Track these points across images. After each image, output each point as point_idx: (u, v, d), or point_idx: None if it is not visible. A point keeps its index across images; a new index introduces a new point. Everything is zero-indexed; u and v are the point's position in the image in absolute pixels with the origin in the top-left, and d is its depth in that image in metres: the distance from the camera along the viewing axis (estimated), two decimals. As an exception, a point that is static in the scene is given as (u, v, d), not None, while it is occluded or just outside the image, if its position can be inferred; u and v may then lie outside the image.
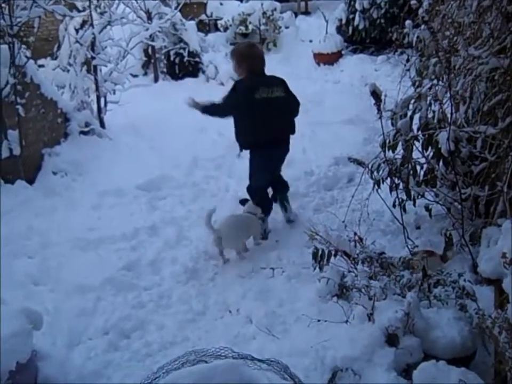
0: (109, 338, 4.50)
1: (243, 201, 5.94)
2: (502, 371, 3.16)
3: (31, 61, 6.99)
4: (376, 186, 5.04)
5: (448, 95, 4.70)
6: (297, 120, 8.46)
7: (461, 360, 3.48)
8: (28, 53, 7.26)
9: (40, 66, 8.20)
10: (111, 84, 8.24)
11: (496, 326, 3.15)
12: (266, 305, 4.73)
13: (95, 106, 8.23)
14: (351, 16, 11.80)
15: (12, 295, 4.55)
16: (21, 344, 3.73)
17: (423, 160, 4.98)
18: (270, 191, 6.05)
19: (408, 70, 5.91)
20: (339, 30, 12.18)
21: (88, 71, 8.04)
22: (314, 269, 4.36)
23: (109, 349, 4.38)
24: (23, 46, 7.09)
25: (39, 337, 4.16)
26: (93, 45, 7.90)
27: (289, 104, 5.75)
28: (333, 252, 4.28)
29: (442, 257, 4.52)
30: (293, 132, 5.85)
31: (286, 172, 6.88)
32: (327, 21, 11.87)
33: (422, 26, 5.53)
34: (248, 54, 5.72)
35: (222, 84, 10.58)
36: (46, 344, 4.27)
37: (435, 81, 5.09)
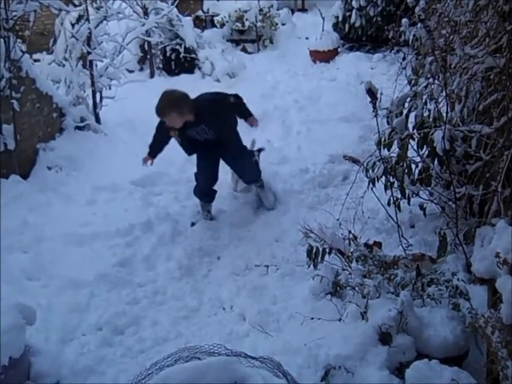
0: (103, 334, 4.52)
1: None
2: (494, 370, 3.17)
3: (27, 55, 6.95)
4: (371, 185, 5.04)
5: (443, 93, 4.72)
6: (293, 117, 8.51)
7: (453, 359, 3.49)
8: (23, 47, 7.20)
9: (35, 60, 8.14)
10: (106, 79, 8.20)
11: (489, 326, 3.16)
12: (259, 303, 4.74)
13: (90, 102, 8.19)
14: (347, 14, 11.75)
15: (5, 290, 4.55)
16: (14, 340, 3.73)
17: (418, 159, 4.97)
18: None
19: (404, 68, 5.91)
20: (335, 27, 12.14)
21: (84, 66, 8.00)
22: (309, 266, 4.37)
23: (102, 345, 4.40)
24: (19, 40, 7.03)
25: (32, 333, 4.17)
26: (88, 40, 7.86)
27: None
28: (327, 250, 4.28)
29: (433, 260, 4.52)
30: None
31: (282, 169, 6.91)
32: (323, 18, 11.83)
33: (419, 25, 5.52)
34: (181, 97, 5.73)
35: (218, 81, 10.53)
36: (39, 340, 4.28)
37: (431, 80, 5.09)
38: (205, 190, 6.14)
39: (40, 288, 5.02)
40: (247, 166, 6.17)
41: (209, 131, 5.75)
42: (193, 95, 5.75)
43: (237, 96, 6.00)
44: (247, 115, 6.12)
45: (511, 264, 3.04)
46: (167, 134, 5.83)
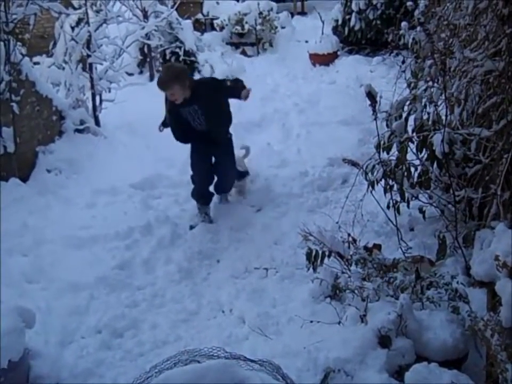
0: (102, 337, 4.51)
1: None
2: (494, 373, 3.17)
3: (27, 58, 6.97)
4: (370, 188, 5.04)
5: (443, 97, 4.72)
6: (293, 120, 8.51)
7: (453, 362, 3.49)
8: (23, 50, 7.23)
9: (35, 63, 8.15)
10: (106, 82, 8.22)
11: (488, 329, 3.16)
12: (259, 306, 4.74)
13: (90, 104, 8.21)
14: (347, 17, 11.78)
15: (5, 293, 4.56)
16: (14, 342, 3.73)
17: (417, 162, 4.98)
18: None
19: (404, 71, 5.91)
20: (335, 30, 12.17)
21: (84, 69, 8.02)
22: (308, 269, 4.37)
23: (101, 348, 4.40)
24: (19, 43, 7.05)
25: (32, 336, 4.17)
26: (88, 43, 7.88)
27: None
28: (326, 253, 4.28)
29: (432, 263, 4.52)
30: None
31: (281, 172, 6.92)
32: (323, 22, 11.86)
33: (418, 28, 5.54)
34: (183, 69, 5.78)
35: (218, 83, 10.56)
36: (38, 343, 4.28)
37: (430, 83, 5.10)
38: (201, 191, 6.16)
39: (40, 291, 5.02)
40: (228, 175, 6.23)
41: (201, 116, 5.74)
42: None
43: (236, 80, 6.03)
44: (238, 93, 5.83)
45: (510, 267, 3.04)
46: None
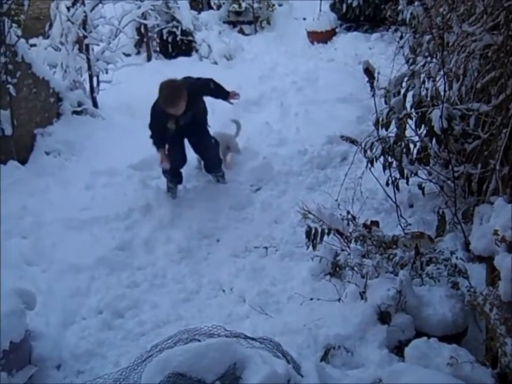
0: (103, 317, 4.54)
1: None
2: (493, 347, 3.19)
3: (22, 40, 6.89)
4: (369, 165, 5.04)
5: (441, 72, 4.69)
6: (291, 99, 8.47)
7: (452, 337, 3.51)
8: (19, 32, 7.15)
9: (32, 45, 8.08)
10: (103, 63, 8.15)
11: (488, 303, 3.18)
12: (259, 284, 4.76)
13: (87, 86, 8.15)
14: (345, -6, 11.69)
15: (5, 276, 4.56)
16: (15, 324, 3.75)
17: (416, 138, 4.97)
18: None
19: (402, 47, 5.88)
20: (333, 7, 12.04)
21: (80, 50, 7.95)
22: (308, 247, 4.37)
23: (102, 328, 4.43)
24: (14, 24, 6.98)
25: (33, 317, 4.20)
26: (84, 24, 7.81)
27: None
28: (326, 231, 4.28)
29: (431, 239, 4.52)
30: None
31: (280, 151, 6.90)
32: (320, -1, 11.78)
33: (416, 3, 5.50)
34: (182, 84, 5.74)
35: (216, 63, 10.50)
36: (39, 324, 4.30)
37: (429, 59, 5.07)
38: (176, 170, 6.19)
39: (40, 273, 5.03)
40: (211, 152, 6.26)
41: (190, 117, 5.84)
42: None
43: (213, 81, 5.98)
44: (225, 94, 6.11)
45: (509, 242, 3.04)
46: (165, 125, 5.82)
